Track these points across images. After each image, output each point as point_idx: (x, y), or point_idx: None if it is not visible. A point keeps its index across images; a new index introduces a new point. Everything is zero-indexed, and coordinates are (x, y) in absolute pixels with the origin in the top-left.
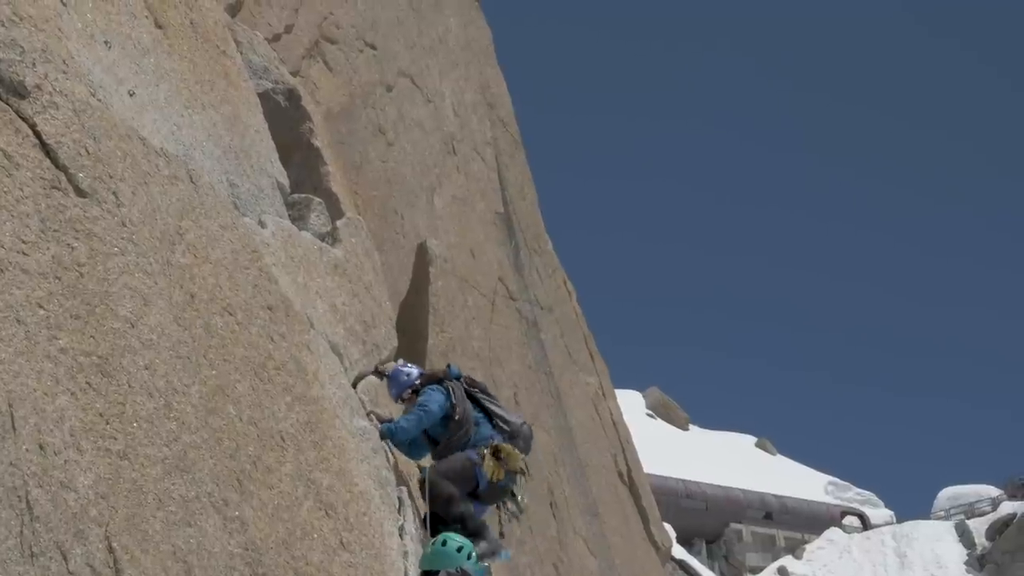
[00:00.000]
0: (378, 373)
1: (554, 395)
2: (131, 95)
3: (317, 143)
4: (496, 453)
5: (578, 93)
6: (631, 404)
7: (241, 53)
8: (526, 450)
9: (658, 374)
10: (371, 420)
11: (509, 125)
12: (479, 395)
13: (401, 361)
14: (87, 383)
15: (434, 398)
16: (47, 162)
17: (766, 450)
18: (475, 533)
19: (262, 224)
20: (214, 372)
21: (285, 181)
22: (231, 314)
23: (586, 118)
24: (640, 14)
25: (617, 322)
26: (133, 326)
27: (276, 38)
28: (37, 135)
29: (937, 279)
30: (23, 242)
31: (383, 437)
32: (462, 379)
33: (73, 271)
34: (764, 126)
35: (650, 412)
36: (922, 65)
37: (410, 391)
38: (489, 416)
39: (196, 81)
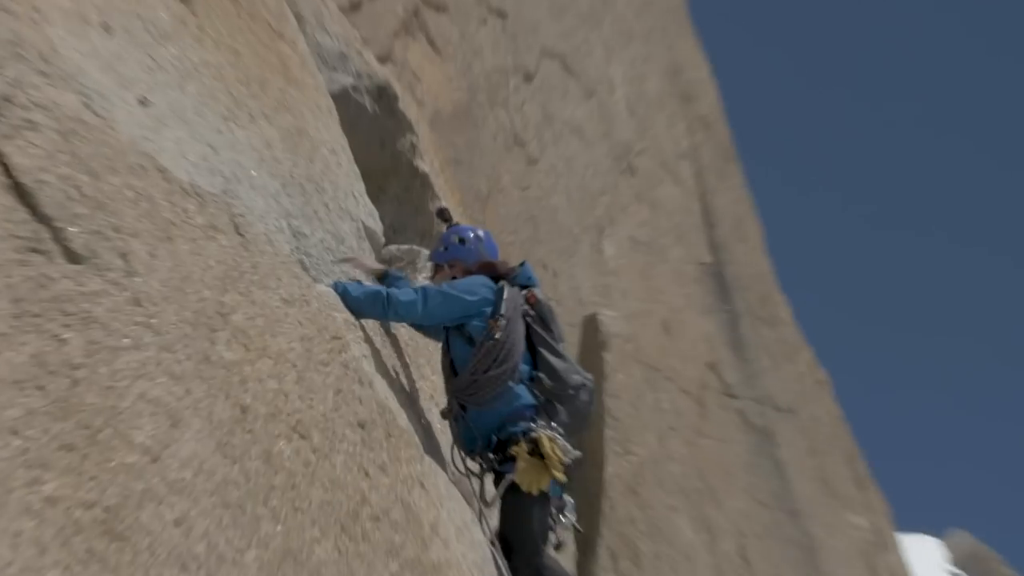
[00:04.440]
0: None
1: (803, 545)
2: (143, 104)
3: (423, 166)
4: (535, 450)
5: (808, 68)
6: (927, 556)
7: (305, 33)
8: (579, 427)
9: (966, 513)
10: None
11: (716, 127)
12: (535, 326)
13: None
14: (88, 551)
15: (479, 289)
16: (21, 211)
17: None
18: None
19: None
20: (280, 528)
21: (377, 225)
22: (303, 437)
23: (813, 104)
24: None
25: (899, 434)
26: (155, 460)
27: (355, 7)
28: (7, 171)
29: None
30: None
31: (343, 296)
32: (527, 292)
33: (63, 376)
34: None
35: (956, 569)
36: None
37: (449, 265)
38: (534, 362)
39: (240, 79)
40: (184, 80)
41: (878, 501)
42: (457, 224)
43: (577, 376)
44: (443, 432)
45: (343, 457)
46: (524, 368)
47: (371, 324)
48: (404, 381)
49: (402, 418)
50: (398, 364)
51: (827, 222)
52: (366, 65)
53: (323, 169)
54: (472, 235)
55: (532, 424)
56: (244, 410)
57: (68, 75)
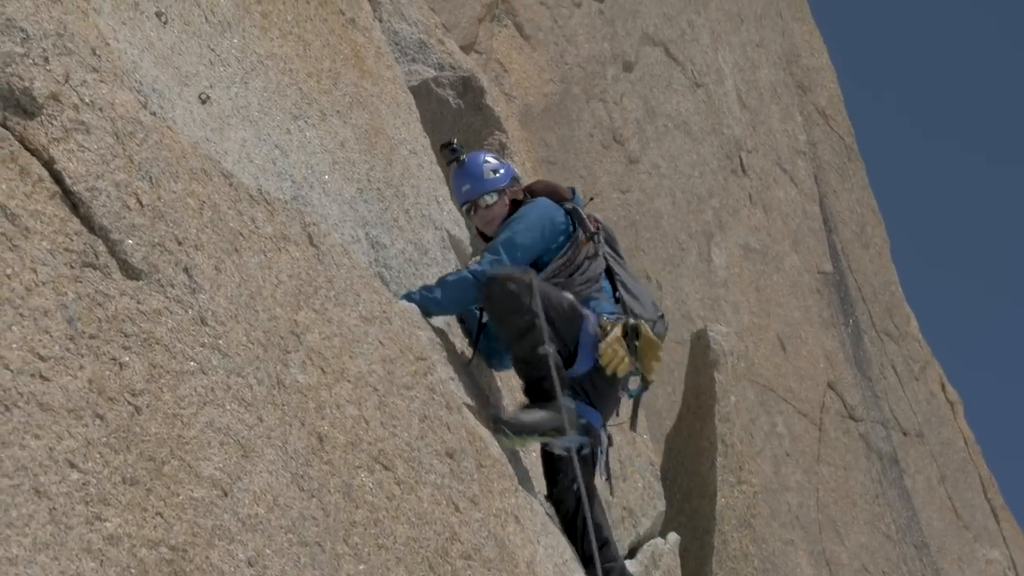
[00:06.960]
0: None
1: None
2: (204, 102)
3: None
4: (631, 334)
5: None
6: None
7: (380, 20)
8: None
9: None
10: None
11: (837, 120)
12: (607, 246)
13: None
14: None
15: (556, 212)
16: (74, 222)
17: None
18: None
19: None
20: (363, 567)
21: (464, 233)
22: (387, 467)
23: (942, 102)
24: None
25: None
26: (226, 494)
27: None
28: (56, 178)
29: None
30: (39, 358)
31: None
32: (588, 216)
33: (123, 404)
34: None
35: None
36: None
37: (496, 195)
38: (613, 287)
39: (309, 73)
40: (248, 74)
41: (1015, 533)
42: (469, 155)
43: (656, 306)
44: (536, 464)
45: (430, 489)
46: (605, 289)
47: (460, 342)
48: (496, 406)
49: (494, 446)
50: (489, 387)
51: None
52: (448, 55)
53: (403, 172)
54: (473, 155)
55: (625, 316)
56: (321, 439)
57: (121, 70)
